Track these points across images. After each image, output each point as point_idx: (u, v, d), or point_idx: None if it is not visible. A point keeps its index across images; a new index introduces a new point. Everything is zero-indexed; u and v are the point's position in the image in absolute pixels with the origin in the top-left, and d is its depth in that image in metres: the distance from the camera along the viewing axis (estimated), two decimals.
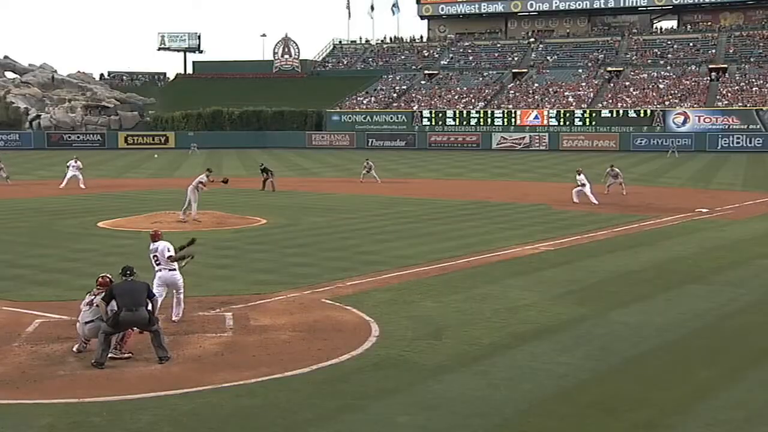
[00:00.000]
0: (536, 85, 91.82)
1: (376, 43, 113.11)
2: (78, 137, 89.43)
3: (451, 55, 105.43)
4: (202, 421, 9.31)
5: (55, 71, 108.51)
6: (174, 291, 13.90)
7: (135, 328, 11.78)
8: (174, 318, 13.77)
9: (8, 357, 11.75)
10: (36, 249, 21.40)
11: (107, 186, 42.68)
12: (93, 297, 12.06)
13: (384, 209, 31.33)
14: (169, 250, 13.75)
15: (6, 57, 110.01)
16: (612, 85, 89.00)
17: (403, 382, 10.69)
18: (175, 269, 13.82)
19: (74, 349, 12.02)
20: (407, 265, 19.13)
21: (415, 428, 9.17)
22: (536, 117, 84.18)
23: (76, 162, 42.23)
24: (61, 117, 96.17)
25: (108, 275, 12.47)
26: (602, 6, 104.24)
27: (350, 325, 13.70)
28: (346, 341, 12.59)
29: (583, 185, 33.64)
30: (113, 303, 11.57)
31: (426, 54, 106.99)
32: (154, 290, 12.73)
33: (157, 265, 13.81)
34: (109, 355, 11.50)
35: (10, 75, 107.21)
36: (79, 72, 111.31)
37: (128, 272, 11.98)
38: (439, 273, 18.34)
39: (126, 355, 11.75)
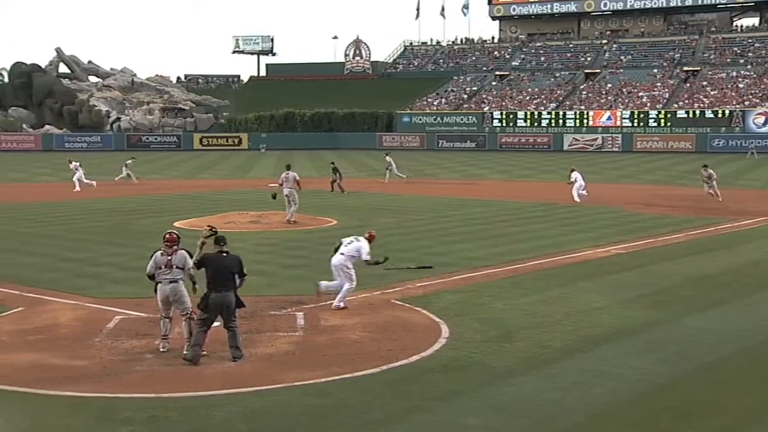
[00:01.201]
0: (609, 85, 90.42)
1: (447, 45, 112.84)
2: (155, 139, 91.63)
3: (522, 56, 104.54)
4: (274, 419, 9.43)
5: (135, 75, 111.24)
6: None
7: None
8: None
9: (90, 352, 12.10)
10: (114, 248, 21.97)
11: (182, 187, 43.51)
12: (168, 257, 11.94)
13: (453, 210, 31.26)
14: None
15: (90, 62, 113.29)
16: (688, 85, 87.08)
17: (472, 384, 10.66)
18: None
19: (161, 347, 12.17)
20: (477, 267, 19.06)
21: (484, 430, 9.14)
22: (609, 118, 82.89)
23: (74, 165, 41.82)
24: (140, 119, 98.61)
25: (175, 231, 12.58)
26: (679, 4, 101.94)
27: (420, 326, 13.71)
28: (415, 342, 12.60)
29: (574, 182, 34.21)
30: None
31: (497, 55, 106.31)
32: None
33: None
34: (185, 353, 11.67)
35: (93, 79, 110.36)
36: (157, 75, 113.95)
37: (222, 242, 11.86)
38: (509, 275, 18.23)
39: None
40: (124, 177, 45.11)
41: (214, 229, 12.67)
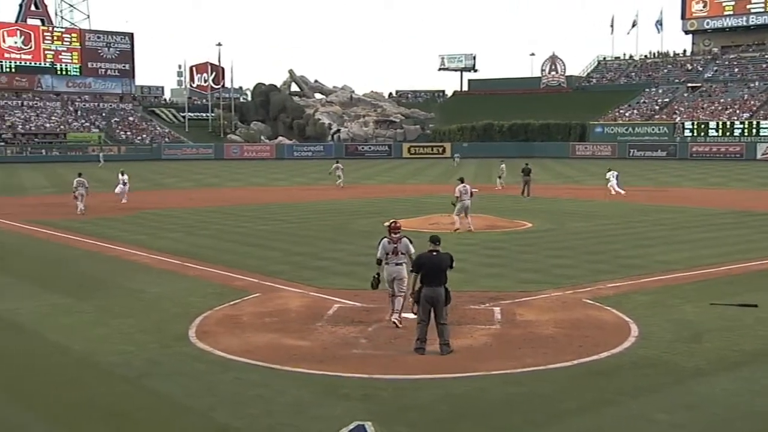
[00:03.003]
0: None
1: (640, 59, 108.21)
2: (369, 148, 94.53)
3: (715, 68, 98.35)
4: (473, 404, 9.49)
5: (353, 91, 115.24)
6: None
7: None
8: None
9: (313, 335, 12.69)
10: (336, 244, 22.87)
11: (393, 191, 44.53)
12: (395, 245, 12.78)
13: (643, 216, 29.98)
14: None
15: (316, 81, 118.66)
16: None
17: (661, 382, 10.21)
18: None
19: (393, 319, 12.83)
20: (667, 270, 18.18)
21: (674, 426, 8.74)
22: None
23: (123, 176, 37.26)
24: (356, 130, 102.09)
25: (396, 220, 13.46)
26: None
27: (610, 324, 13.30)
28: (605, 339, 12.24)
29: (609, 180, 38.86)
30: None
31: (689, 67, 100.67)
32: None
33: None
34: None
35: (318, 96, 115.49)
36: (372, 91, 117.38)
37: (436, 242, 11.83)
38: (699, 279, 17.25)
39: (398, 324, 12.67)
40: (338, 180, 45.76)
41: (394, 222, 13.40)
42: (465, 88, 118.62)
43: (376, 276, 13.20)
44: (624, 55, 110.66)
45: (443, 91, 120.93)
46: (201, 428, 8.79)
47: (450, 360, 11.27)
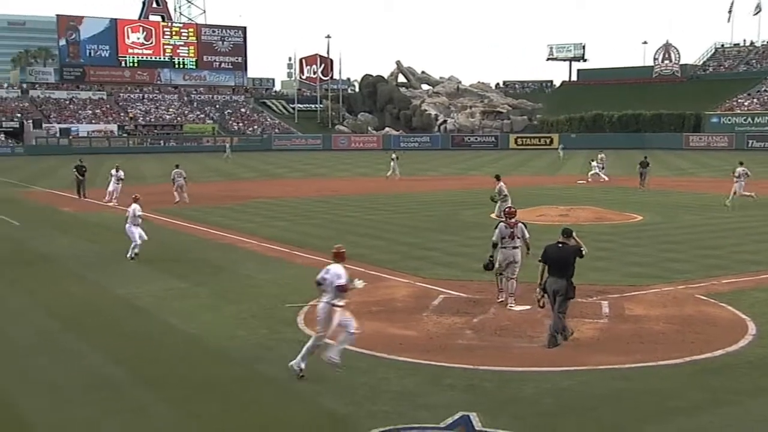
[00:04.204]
0: None
1: (762, 45, 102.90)
2: (476, 139, 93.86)
3: None
4: (579, 398, 9.34)
5: (460, 82, 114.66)
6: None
7: None
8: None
9: (419, 324, 12.76)
10: (442, 235, 22.87)
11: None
12: (511, 230, 13.57)
13: (760, 210, 28.52)
14: None
15: (423, 72, 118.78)
16: None
17: None
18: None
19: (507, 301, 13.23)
20: None
21: None
22: None
23: (117, 172, 32.89)
24: (463, 121, 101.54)
25: (512, 206, 14.49)
26: None
27: (725, 321, 12.78)
28: (719, 337, 11.78)
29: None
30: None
31: None
32: None
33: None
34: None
35: (425, 87, 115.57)
36: (479, 82, 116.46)
37: (566, 234, 11.74)
38: None
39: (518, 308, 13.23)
40: (393, 173, 44.10)
41: (511, 208, 14.32)
42: (574, 78, 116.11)
43: (491, 258, 13.86)
44: (744, 41, 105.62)
45: (551, 81, 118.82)
46: (309, 413, 9.00)
47: (556, 353, 11.11)
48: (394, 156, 46.33)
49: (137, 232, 18.87)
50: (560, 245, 11.64)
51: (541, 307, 11.85)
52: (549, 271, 11.53)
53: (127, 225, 18.98)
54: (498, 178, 24.97)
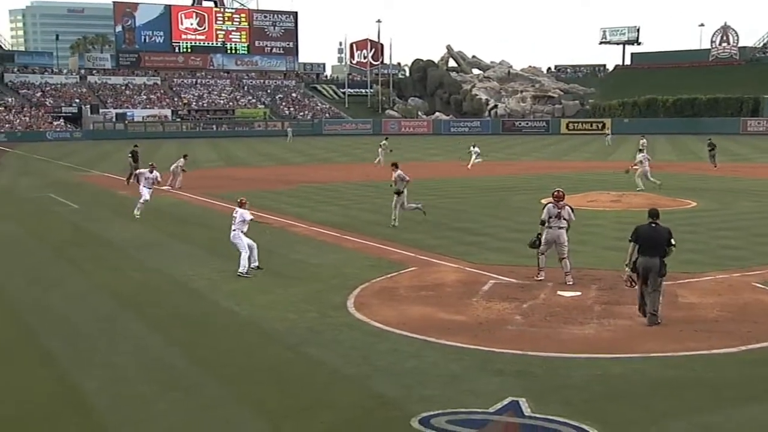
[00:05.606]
0: None
1: None
2: (527, 124, 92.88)
3: None
4: (631, 386, 9.22)
5: (511, 67, 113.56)
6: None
7: None
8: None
9: (469, 309, 12.73)
10: (492, 220, 22.74)
11: (550, 167, 43.61)
12: (558, 210, 14.20)
13: None
14: None
15: (474, 56, 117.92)
16: None
17: None
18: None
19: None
20: None
21: None
22: None
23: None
24: (514, 106, 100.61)
25: (559, 189, 14.69)
26: None
27: None
28: None
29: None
30: None
31: None
32: None
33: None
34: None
35: (475, 71, 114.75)
36: (530, 66, 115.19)
37: (654, 216, 11.96)
38: None
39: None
40: (379, 160, 42.46)
41: (558, 191, 14.64)
42: (627, 62, 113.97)
43: (538, 236, 14.51)
44: None
45: (604, 66, 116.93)
46: (358, 396, 9.06)
47: (607, 340, 11.00)
48: (383, 142, 45.22)
49: (246, 243, 15.71)
50: (653, 225, 11.82)
51: (629, 286, 12.05)
52: (640, 251, 11.67)
53: (234, 233, 15.86)
54: (396, 165, 22.42)
